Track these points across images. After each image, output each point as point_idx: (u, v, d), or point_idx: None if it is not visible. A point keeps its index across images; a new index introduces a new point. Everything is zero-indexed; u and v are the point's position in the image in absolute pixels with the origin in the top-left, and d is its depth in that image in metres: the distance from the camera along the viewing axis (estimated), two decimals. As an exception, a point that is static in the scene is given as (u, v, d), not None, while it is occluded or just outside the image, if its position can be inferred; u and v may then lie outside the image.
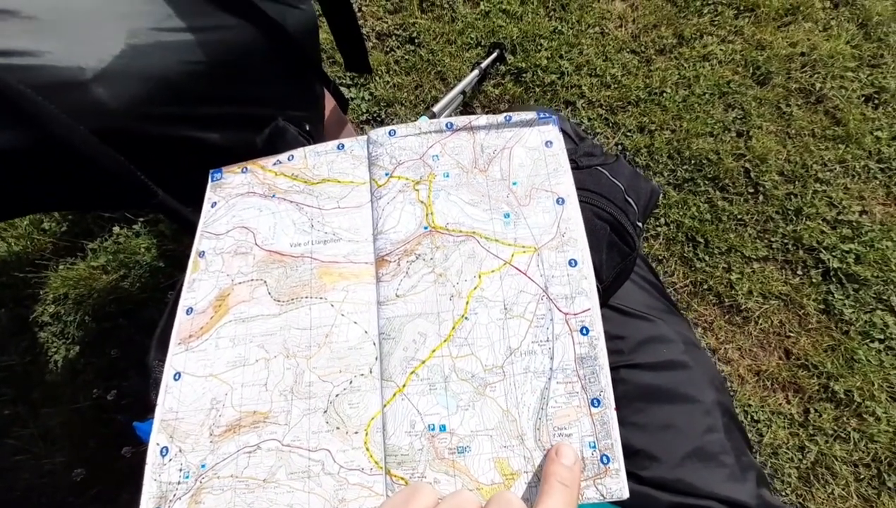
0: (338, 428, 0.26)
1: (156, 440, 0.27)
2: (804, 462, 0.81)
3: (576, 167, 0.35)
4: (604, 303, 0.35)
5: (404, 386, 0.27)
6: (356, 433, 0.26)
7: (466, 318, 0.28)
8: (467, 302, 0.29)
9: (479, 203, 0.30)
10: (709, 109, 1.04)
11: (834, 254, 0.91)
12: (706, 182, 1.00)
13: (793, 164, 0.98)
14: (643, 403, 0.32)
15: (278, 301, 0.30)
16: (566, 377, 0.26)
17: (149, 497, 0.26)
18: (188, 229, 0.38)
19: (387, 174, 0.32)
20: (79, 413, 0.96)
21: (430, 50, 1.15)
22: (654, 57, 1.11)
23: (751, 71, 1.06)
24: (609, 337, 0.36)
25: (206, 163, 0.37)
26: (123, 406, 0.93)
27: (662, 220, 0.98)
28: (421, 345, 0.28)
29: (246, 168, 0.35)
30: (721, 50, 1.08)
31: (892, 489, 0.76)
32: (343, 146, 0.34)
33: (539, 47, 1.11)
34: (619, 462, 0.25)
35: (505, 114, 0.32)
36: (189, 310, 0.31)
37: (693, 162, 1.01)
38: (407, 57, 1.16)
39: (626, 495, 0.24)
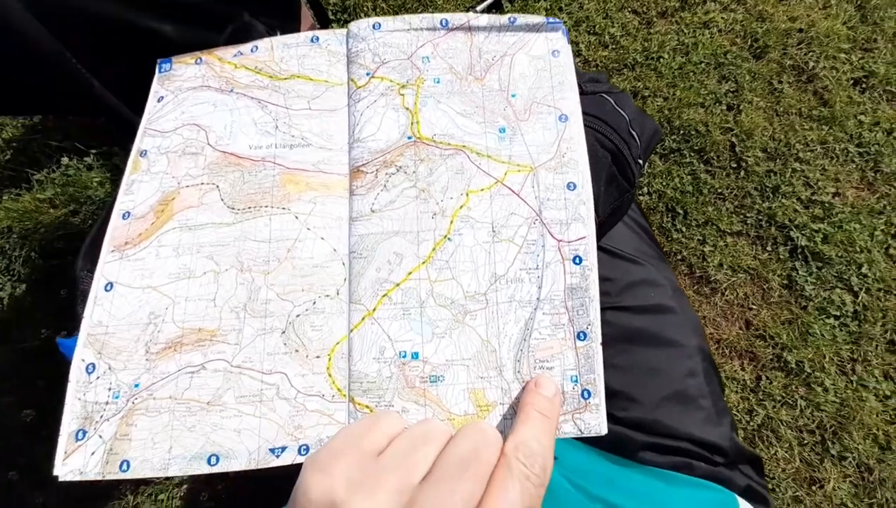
0: (297, 351, 0.24)
1: (81, 355, 0.24)
2: (751, 423, 0.86)
3: (581, 92, 0.31)
4: (597, 240, 0.33)
5: (375, 309, 0.24)
6: (318, 357, 0.24)
7: (449, 239, 0.25)
8: (451, 222, 0.26)
9: (472, 114, 0.27)
10: (703, 79, 1.02)
11: (804, 232, 0.93)
12: (692, 153, 0.99)
13: (777, 142, 0.98)
14: (627, 345, 0.31)
15: (233, 208, 0.26)
16: (553, 308, 0.24)
17: (72, 418, 0.23)
18: (131, 134, 0.32)
19: (368, 74, 0.28)
20: (27, 353, 0.90)
21: (421, -13, 1.06)
22: (655, 19, 1.07)
23: (749, 42, 1.04)
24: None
25: (156, 58, 0.31)
26: (71, 346, 0.87)
27: (645, 189, 0.97)
28: (396, 267, 0.25)
29: (201, 58, 0.30)
30: (722, 18, 1.05)
31: (836, 456, 0.81)
32: (318, 39, 0.29)
33: (538, -5, 1.05)
34: (599, 398, 0.23)
35: (509, 15, 0.28)
36: (126, 215, 0.26)
37: (682, 132, 1.00)
38: (396, -7, 1.07)
39: (604, 431, 0.23)
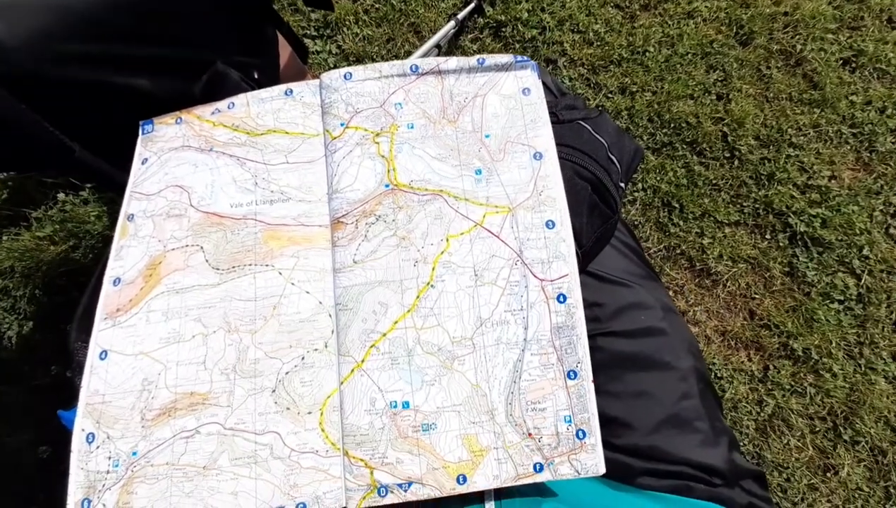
0: (288, 409, 0.24)
1: (81, 425, 0.24)
2: (762, 415, 0.85)
3: (556, 121, 0.31)
4: (582, 269, 0.33)
5: (363, 360, 0.25)
6: (309, 413, 0.24)
7: (432, 286, 0.26)
8: (433, 269, 0.26)
9: (447, 157, 0.27)
10: (691, 70, 1.01)
11: (802, 218, 0.92)
12: (684, 146, 0.99)
13: (769, 129, 0.97)
14: (619, 371, 0.31)
15: (217, 269, 0.26)
16: (541, 348, 0.25)
17: (76, 487, 0.24)
18: (117, 192, 0.33)
19: (342, 124, 0.28)
20: (39, 390, 0.91)
21: (402, -2, 1.06)
22: (638, 13, 1.06)
23: (734, 30, 1.03)
24: (587, 304, 0.34)
25: (135, 114, 0.32)
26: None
27: (640, 185, 0.97)
28: (382, 316, 0.25)
29: (180, 118, 0.30)
30: (706, 6, 1.04)
31: (848, 442, 0.81)
32: (292, 91, 0.29)
33: (519, -2, 1.04)
34: (595, 437, 0.24)
35: (478, 56, 0.28)
36: (116, 281, 0.27)
37: (672, 125, 0.99)
38: (378, 6, 1.07)
39: (601, 471, 0.23)
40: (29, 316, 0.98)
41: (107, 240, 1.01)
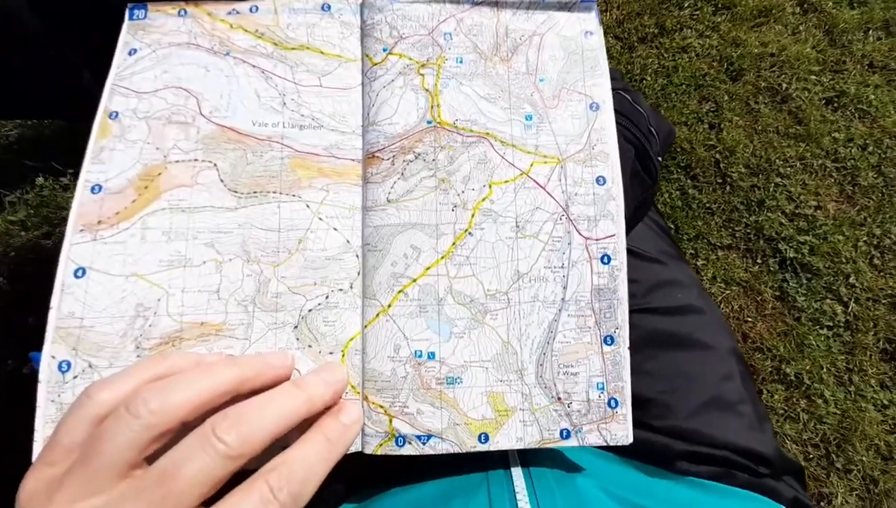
0: (310, 346, 0.21)
1: (50, 352, 0.20)
2: (755, 441, 0.84)
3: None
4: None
5: (390, 305, 0.22)
6: (331, 353, 0.21)
7: (470, 234, 0.23)
8: (473, 215, 0.24)
9: (496, 98, 0.25)
10: (685, 100, 1.06)
11: (790, 244, 0.95)
12: (679, 170, 1.02)
13: (758, 158, 1.01)
14: (655, 350, 0.29)
15: (235, 192, 0.23)
16: (579, 309, 0.23)
17: (45, 422, 0.20)
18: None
19: (385, 49, 0.26)
20: (-7, 383, 0.82)
21: None
22: (636, 44, 1.11)
23: (725, 66, 1.09)
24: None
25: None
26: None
27: (637, 203, 0.99)
28: (413, 261, 0.23)
29: (185, 10, 0.26)
30: (699, 43, 1.10)
31: (841, 470, 0.80)
32: (330, 7, 0.26)
33: (526, 19, 1.08)
34: (626, 407, 0.22)
35: None
36: (96, 188, 0.23)
37: (668, 149, 1.02)
38: None
39: (629, 441, 0.21)
40: (-10, 305, 0.89)
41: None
